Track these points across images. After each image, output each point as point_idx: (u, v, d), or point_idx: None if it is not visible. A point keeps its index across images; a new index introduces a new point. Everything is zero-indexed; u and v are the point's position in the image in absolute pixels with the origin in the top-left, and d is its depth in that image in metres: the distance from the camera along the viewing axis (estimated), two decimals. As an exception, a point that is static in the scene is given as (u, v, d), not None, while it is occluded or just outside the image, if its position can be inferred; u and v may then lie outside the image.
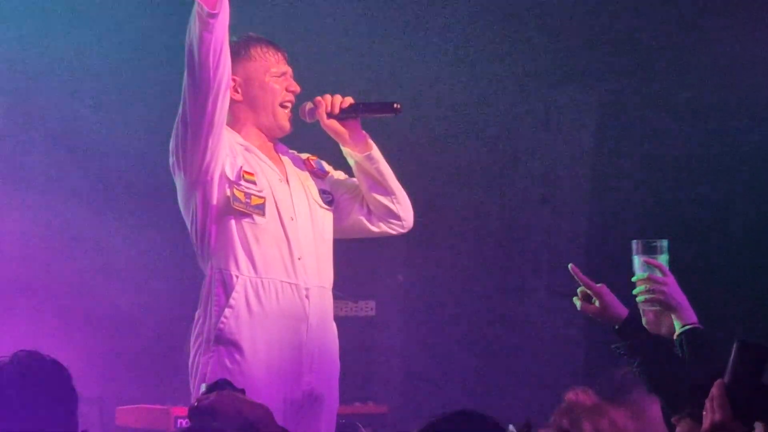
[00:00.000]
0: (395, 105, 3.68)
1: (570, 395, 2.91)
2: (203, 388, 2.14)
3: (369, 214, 3.74)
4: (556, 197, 5.30)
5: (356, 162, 3.73)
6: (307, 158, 3.64)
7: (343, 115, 3.60)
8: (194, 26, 3.21)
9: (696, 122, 5.44)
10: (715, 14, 5.40)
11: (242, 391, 2.20)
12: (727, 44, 5.30)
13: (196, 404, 2.04)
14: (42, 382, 1.75)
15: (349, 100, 3.61)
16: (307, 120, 3.65)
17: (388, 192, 3.71)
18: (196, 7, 3.18)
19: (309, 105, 3.61)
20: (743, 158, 5.43)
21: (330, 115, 3.56)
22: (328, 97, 3.59)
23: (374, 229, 3.76)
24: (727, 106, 5.47)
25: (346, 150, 3.71)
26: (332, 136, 3.65)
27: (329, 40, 5.46)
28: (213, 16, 3.13)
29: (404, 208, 3.76)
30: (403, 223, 3.74)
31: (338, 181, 3.75)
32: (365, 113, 3.74)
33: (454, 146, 5.18)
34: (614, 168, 5.43)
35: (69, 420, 1.77)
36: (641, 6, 5.57)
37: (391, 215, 3.74)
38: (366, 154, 3.68)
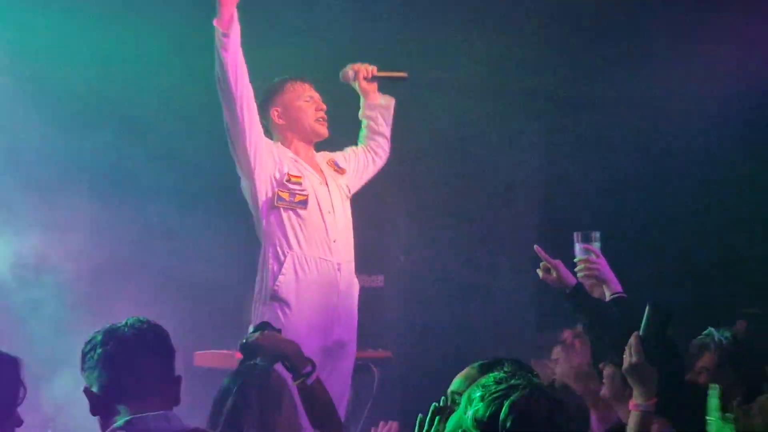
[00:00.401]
0: (404, 74, 3.67)
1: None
2: (251, 329, 2.08)
3: (370, 163, 3.66)
4: (518, 198, 5.11)
5: (377, 106, 3.65)
6: (329, 160, 3.48)
7: (372, 79, 3.55)
8: (216, 49, 3.08)
9: (624, 145, 5.20)
10: (637, 58, 5.11)
11: (279, 330, 2.09)
12: (648, 82, 5.13)
13: (244, 341, 1.99)
14: (149, 341, 1.63)
15: (374, 69, 3.56)
16: (350, 81, 3.57)
17: (388, 130, 3.66)
18: (215, 32, 3.07)
19: (350, 71, 3.55)
20: (665, 169, 5.24)
21: (365, 78, 3.52)
22: (362, 65, 3.54)
23: (371, 172, 3.66)
24: (651, 129, 5.26)
25: (369, 102, 3.65)
26: (362, 92, 3.61)
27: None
28: (226, 35, 3.01)
29: (388, 143, 3.70)
30: (384, 156, 3.66)
31: (351, 158, 3.60)
32: (385, 77, 3.66)
33: (442, 161, 4.99)
34: (561, 177, 5.26)
35: (170, 368, 1.67)
36: (579, 56, 5.19)
37: (384, 149, 3.66)
38: (387, 102, 3.67)
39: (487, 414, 1.14)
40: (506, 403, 1.12)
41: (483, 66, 4.87)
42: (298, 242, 3.20)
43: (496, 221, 4.82)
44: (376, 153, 3.65)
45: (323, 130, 3.34)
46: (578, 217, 4.35)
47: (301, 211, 3.20)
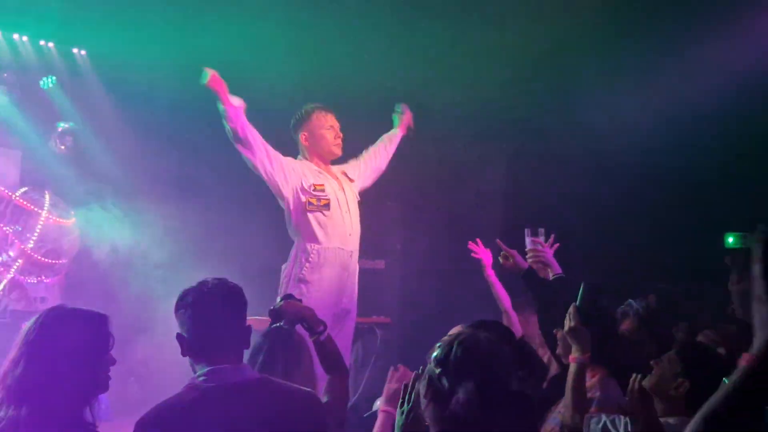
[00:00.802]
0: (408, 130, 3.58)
1: None
2: (278, 299, 2.05)
3: (369, 175, 3.44)
4: (487, 205, 4.97)
5: (396, 140, 3.50)
6: (342, 171, 3.32)
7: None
8: (223, 121, 2.89)
9: (572, 162, 4.93)
10: (584, 93, 4.73)
11: (300, 300, 2.06)
12: (595, 112, 4.71)
13: (272, 308, 1.92)
14: (228, 295, 1.51)
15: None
16: (400, 116, 3.51)
17: (391, 155, 3.51)
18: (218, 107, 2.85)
19: (406, 116, 3.52)
20: (603, 180, 4.86)
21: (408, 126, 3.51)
22: (409, 116, 3.51)
23: (370, 181, 3.46)
24: (595, 149, 4.88)
25: (394, 135, 3.50)
26: (398, 127, 3.50)
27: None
28: (225, 111, 2.84)
29: (387, 163, 3.51)
30: (381, 171, 3.48)
31: (360, 169, 3.41)
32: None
33: (428, 176, 4.83)
34: (518, 187, 5.12)
35: (243, 320, 1.54)
36: (541, 90, 4.98)
37: (383, 166, 3.48)
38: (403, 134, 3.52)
39: (443, 353, 1.10)
40: (455, 342, 1.09)
41: (461, 96, 4.73)
42: (324, 235, 3.09)
43: (471, 223, 4.69)
44: (374, 167, 3.49)
45: (338, 152, 3.24)
46: (536, 219, 4.06)
47: (325, 212, 3.09)
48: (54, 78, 4.61)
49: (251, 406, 1.36)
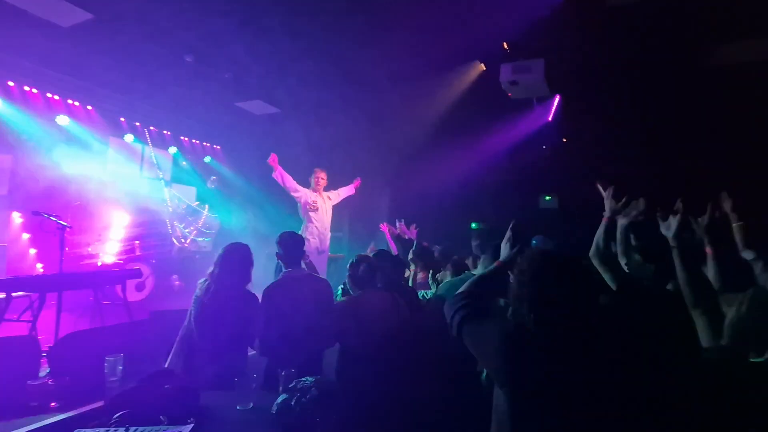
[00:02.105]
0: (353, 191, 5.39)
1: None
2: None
3: (340, 198, 5.23)
4: (384, 209, 6.38)
5: (351, 190, 5.26)
6: (326, 195, 5.19)
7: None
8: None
9: (439, 180, 6.19)
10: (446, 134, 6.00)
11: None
12: (459, 147, 6.03)
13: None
14: (297, 238, 2.58)
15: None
16: (353, 189, 5.28)
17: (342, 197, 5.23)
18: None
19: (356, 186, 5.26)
20: (461, 196, 6.24)
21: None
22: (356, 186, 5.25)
23: (337, 202, 5.24)
24: (458, 172, 6.09)
25: (345, 192, 5.25)
26: (350, 190, 5.28)
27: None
28: (274, 173, 4.75)
29: (340, 199, 5.32)
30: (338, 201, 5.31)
31: (333, 196, 5.20)
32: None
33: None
34: (401, 199, 6.43)
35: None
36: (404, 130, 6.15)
37: (338, 200, 5.22)
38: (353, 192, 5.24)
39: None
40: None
41: (362, 126, 6.06)
42: (316, 224, 5.10)
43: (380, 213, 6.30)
44: (340, 197, 5.38)
45: (320, 190, 5.18)
46: (412, 219, 4.90)
47: (317, 212, 5.11)
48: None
49: (306, 285, 2.57)
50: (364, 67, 4.98)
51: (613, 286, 1.83)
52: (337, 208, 5.49)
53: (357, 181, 5.49)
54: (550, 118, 5.93)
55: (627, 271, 1.96)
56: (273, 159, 4.89)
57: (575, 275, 1.33)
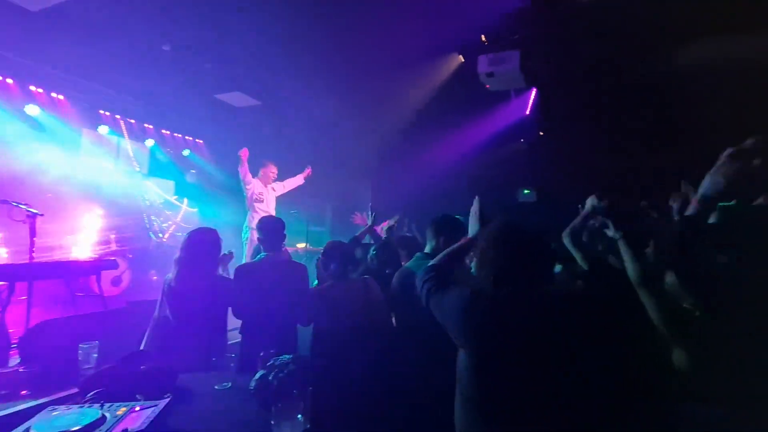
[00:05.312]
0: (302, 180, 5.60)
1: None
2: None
3: (285, 190, 5.49)
4: (365, 205, 6.04)
5: (300, 180, 5.51)
6: (272, 186, 5.47)
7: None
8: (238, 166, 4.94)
9: (417, 179, 6.24)
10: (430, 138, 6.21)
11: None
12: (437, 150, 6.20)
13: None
14: (279, 224, 2.67)
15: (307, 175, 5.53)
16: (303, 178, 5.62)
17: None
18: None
19: (306, 175, 5.61)
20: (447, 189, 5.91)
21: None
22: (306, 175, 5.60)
23: (282, 193, 5.53)
24: (438, 172, 6.16)
25: (294, 184, 5.50)
26: (297, 180, 5.56)
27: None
28: (242, 165, 5.07)
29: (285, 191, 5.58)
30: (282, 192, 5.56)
31: (278, 187, 5.46)
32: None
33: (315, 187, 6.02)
34: (385, 199, 6.52)
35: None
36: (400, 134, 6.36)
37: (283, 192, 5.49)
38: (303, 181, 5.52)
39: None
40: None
41: (349, 132, 6.32)
42: (262, 212, 5.29)
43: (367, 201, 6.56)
44: (285, 188, 5.63)
45: (271, 182, 5.52)
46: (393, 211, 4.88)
47: (263, 203, 5.43)
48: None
49: (282, 267, 2.71)
50: (343, 59, 5.03)
51: (584, 266, 1.92)
52: (318, 203, 5.87)
53: (307, 170, 5.65)
54: (527, 112, 6.06)
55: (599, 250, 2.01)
56: (244, 153, 5.13)
57: (535, 243, 1.45)
